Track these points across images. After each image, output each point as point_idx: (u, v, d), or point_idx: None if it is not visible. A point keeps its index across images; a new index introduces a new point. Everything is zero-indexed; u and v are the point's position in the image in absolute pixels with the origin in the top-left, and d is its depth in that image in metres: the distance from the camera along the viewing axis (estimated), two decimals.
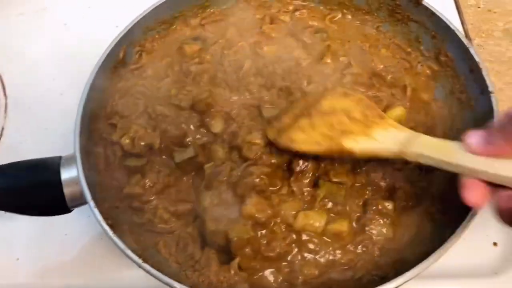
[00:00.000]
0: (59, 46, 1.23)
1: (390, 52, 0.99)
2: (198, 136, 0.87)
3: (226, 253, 0.78)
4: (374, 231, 0.80)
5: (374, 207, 0.82)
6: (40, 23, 1.29)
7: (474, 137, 0.56)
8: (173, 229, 0.82)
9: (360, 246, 0.80)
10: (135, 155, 0.86)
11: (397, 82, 0.94)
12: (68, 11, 1.30)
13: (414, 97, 0.94)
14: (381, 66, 0.97)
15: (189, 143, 0.86)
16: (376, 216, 0.81)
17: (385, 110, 0.90)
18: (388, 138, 0.72)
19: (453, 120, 0.90)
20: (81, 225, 0.95)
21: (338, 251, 0.79)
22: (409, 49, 0.99)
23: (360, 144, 0.73)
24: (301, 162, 0.81)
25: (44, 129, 1.10)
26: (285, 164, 0.83)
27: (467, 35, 1.14)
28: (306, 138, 0.78)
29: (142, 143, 0.85)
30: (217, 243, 0.78)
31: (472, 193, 0.56)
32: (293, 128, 0.80)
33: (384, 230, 0.80)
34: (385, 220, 0.81)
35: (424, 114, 0.93)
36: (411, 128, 0.89)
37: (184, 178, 0.86)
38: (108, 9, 1.29)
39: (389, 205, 0.82)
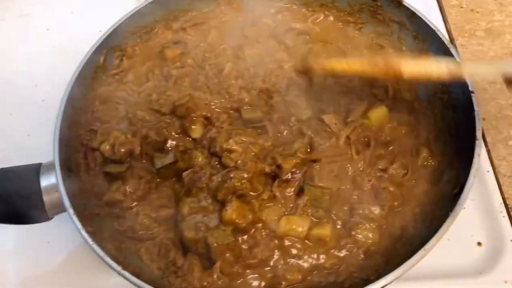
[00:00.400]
0: (42, 52, 1.22)
1: (372, 52, 0.99)
2: (178, 142, 0.87)
3: (209, 260, 0.77)
4: (360, 236, 0.80)
5: (360, 211, 0.81)
6: (23, 28, 1.27)
7: None
8: (154, 235, 0.81)
9: (344, 250, 0.79)
10: (116, 161, 0.86)
11: (379, 83, 0.94)
12: (50, 17, 1.29)
13: (396, 97, 0.94)
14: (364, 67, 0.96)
15: (169, 148, 0.86)
16: (363, 221, 0.81)
17: (367, 109, 0.90)
18: (433, 63, 0.72)
19: (436, 119, 0.90)
20: (64, 233, 0.93)
21: (322, 256, 0.79)
22: (391, 50, 0.99)
23: (408, 64, 0.72)
24: (289, 174, 0.81)
25: (26, 136, 1.09)
26: (271, 172, 0.82)
27: (450, 35, 1.14)
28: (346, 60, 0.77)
29: (123, 150, 0.85)
30: (198, 251, 0.77)
31: None
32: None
33: (370, 235, 0.80)
34: (371, 224, 0.81)
35: (407, 114, 0.92)
36: (394, 127, 0.89)
37: (165, 183, 0.86)
38: (91, 14, 1.28)
39: (375, 210, 0.81)
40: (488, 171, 0.95)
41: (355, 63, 0.76)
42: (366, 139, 0.87)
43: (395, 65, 0.72)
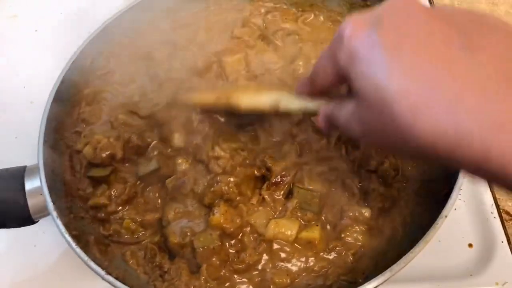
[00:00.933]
0: (30, 53, 1.21)
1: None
2: (162, 148, 0.84)
3: (196, 265, 0.76)
4: (349, 238, 0.78)
5: (350, 214, 0.80)
6: (11, 30, 1.27)
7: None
8: (140, 239, 0.80)
9: (333, 252, 0.78)
10: (99, 165, 0.84)
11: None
12: (39, 18, 1.28)
13: None
14: None
15: (152, 155, 0.84)
16: (352, 223, 0.79)
17: None
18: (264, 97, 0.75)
19: None
20: (50, 236, 0.93)
21: (310, 259, 0.78)
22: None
23: (243, 100, 0.76)
24: (279, 177, 0.80)
25: (14, 138, 1.08)
26: (260, 175, 0.81)
27: None
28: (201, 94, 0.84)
29: (104, 154, 0.83)
30: (185, 256, 0.76)
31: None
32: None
33: (360, 237, 0.79)
34: (361, 227, 0.79)
35: None
36: None
37: (151, 188, 0.84)
38: (80, 15, 1.27)
39: (366, 212, 0.80)
40: None
41: (204, 98, 0.83)
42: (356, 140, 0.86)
43: (235, 99, 0.76)
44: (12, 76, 1.17)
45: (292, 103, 0.69)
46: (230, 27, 1.02)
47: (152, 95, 0.89)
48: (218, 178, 0.77)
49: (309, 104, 0.65)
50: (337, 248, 0.78)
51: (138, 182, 0.84)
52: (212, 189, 0.76)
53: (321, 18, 1.04)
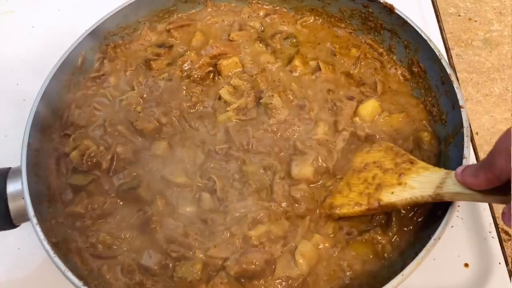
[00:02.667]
0: (26, 50, 1.18)
1: (361, 51, 0.95)
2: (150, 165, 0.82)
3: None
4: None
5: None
6: (7, 26, 1.24)
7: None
8: (116, 254, 0.75)
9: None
10: (82, 171, 0.81)
11: (366, 80, 0.91)
12: (36, 14, 1.25)
13: (386, 90, 0.90)
14: (351, 66, 0.93)
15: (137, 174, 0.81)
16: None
17: (357, 106, 0.86)
18: (422, 182, 0.71)
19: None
20: (35, 239, 0.89)
21: None
22: (381, 50, 0.95)
23: (397, 195, 0.72)
24: None
25: (4, 136, 1.05)
26: None
27: (445, 44, 1.10)
28: (346, 201, 0.77)
29: (90, 162, 0.81)
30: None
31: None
32: (332, 193, 0.79)
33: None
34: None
35: (395, 104, 0.89)
36: (387, 116, 0.86)
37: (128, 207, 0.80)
38: (78, 12, 1.25)
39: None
40: None
41: (354, 209, 0.76)
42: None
43: (386, 198, 0.72)
44: (5, 73, 1.15)
45: (456, 189, 0.64)
46: (227, 30, 1.00)
47: (154, 109, 0.86)
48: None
49: (477, 196, 0.62)
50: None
51: (118, 199, 0.80)
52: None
53: (320, 21, 1.01)
